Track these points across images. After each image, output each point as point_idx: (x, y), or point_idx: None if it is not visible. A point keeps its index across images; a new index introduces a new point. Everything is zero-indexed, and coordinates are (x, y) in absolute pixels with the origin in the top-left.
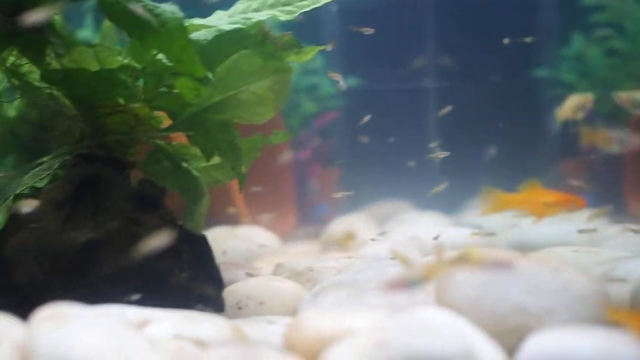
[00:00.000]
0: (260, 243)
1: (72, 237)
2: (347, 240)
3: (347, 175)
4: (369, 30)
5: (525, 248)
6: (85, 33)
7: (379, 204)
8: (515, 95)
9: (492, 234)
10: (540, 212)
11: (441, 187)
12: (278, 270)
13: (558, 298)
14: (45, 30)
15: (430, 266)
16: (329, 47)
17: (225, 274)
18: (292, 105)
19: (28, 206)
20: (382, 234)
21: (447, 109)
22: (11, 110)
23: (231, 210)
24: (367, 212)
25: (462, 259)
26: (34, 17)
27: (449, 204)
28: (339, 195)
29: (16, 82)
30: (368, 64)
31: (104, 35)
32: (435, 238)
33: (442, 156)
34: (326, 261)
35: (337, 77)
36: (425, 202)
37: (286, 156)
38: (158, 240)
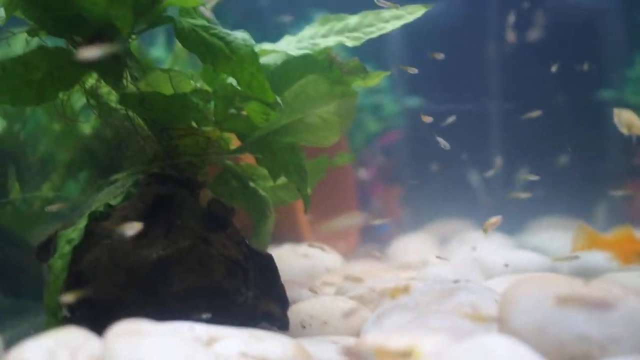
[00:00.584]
0: (324, 262)
1: (145, 255)
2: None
3: (410, 193)
4: (440, 55)
5: (588, 273)
6: (158, 52)
7: (440, 223)
8: (580, 117)
9: (575, 257)
10: (630, 260)
11: (521, 194)
12: (341, 289)
13: (622, 326)
14: (123, 55)
15: (381, 351)
16: (412, 70)
17: (290, 293)
18: (355, 125)
19: (131, 229)
20: (474, 248)
21: (535, 113)
22: (87, 128)
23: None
24: (429, 231)
25: (406, 355)
26: (92, 52)
27: (510, 225)
28: (384, 220)
29: (93, 102)
30: (432, 84)
31: (176, 57)
32: (506, 265)
33: (531, 178)
34: (389, 282)
35: (428, 120)
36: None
37: (351, 175)
38: (348, 221)
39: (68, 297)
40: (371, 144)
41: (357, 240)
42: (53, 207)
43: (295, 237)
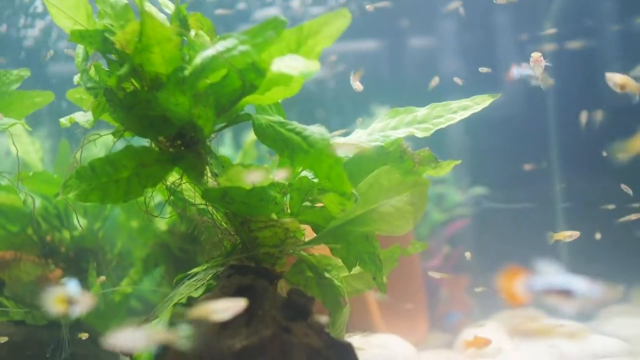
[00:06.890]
0: (398, 351)
1: (229, 344)
2: None
3: (476, 282)
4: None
5: None
6: (226, 150)
7: (509, 312)
8: None
9: None
10: None
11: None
12: None
13: None
14: (204, 153)
15: None
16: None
17: None
18: None
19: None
20: None
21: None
22: (162, 224)
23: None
24: (499, 320)
25: None
26: None
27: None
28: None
29: (172, 198)
30: (495, 174)
31: (246, 154)
32: None
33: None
34: None
35: None
36: (558, 310)
37: (418, 264)
38: None
39: None
40: (436, 233)
41: (426, 329)
42: None
43: (366, 326)
